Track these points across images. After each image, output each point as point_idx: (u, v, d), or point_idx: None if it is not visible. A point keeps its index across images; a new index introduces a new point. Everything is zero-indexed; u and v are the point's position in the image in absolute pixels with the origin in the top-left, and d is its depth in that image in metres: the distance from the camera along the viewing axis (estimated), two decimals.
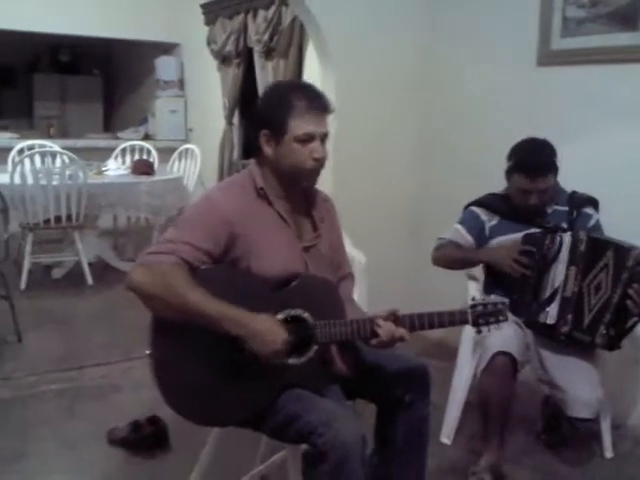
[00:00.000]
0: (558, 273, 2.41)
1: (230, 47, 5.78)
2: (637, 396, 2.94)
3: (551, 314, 2.38)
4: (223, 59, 6.02)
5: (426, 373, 1.93)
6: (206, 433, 1.98)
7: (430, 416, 1.94)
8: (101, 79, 9.22)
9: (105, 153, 6.02)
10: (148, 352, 1.72)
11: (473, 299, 1.84)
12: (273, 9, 5.07)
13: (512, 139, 2.60)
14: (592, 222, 2.60)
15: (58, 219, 4.75)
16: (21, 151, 5.28)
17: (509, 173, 2.56)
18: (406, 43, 3.80)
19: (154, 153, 6.08)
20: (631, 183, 2.91)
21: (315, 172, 1.84)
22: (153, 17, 6.82)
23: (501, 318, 1.81)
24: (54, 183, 4.65)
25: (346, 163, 3.56)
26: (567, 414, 2.37)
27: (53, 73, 8.91)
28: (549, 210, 2.59)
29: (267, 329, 1.66)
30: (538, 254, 2.43)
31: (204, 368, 1.71)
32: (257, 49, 5.37)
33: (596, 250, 2.38)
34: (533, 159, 2.50)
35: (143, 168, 5.34)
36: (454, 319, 1.81)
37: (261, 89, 5.41)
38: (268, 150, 1.82)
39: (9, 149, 5.53)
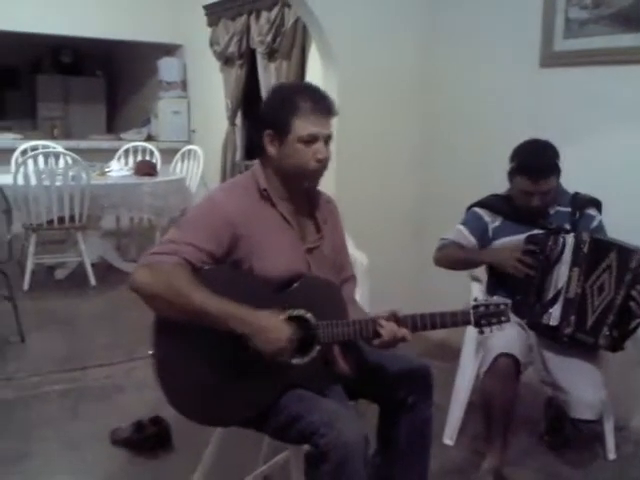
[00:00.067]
0: (561, 274, 2.40)
1: (233, 48, 5.78)
2: None
3: (554, 315, 2.38)
4: (226, 60, 6.03)
5: (428, 374, 1.93)
6: (209, 433, 1.98)
7: (433, 417, 1.94)
8: (104, 80, 9.24)
9: (108, 154, 6.03)
10: (151, 352, 1.72)
11: (475, 300, 1.84)
12: (276, 10, 5.08)
13: (514, 140, 2.60)
14: (595, 223, 2.60)
15: (61, 220, 4.76)
16: (24, 152, 5.28)
17: (511, 175, 2.56)
18: (408, 44, 3.80)
19: (157, 154, 6.09)
20: (634, 184, 2.90)
21: (318, 173, 1.84)
22: (156, 18, 6.83)
23: (503, 319, 1.81)
24: (57, 184, 4.66)
25: (348, 164, 3.56)
26: (570, 416, 2.37)
27: (56, 74, 8.94)
28: (552, 211, 2.59)
29: (271, 326, 1.66)
30: (541, 255, 2.43)
31: (207, 368, 1.71)
32: (260, 50, 5.37)
33: (599, 251, 2.38)
34: (535, 161, 2.50)
35: (146, 169, 5.34)
36: (456, 319, 1.81)
37: (264, 90, 5.42)
38: (272, 150, 1.83)
39: (12, 150, 5.54)
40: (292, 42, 4.97)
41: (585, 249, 2.38)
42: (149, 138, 7.15)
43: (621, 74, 2.92)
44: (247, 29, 5.57)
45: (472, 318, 1.80)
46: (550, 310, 2.39)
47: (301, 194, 1.91)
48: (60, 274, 5.13)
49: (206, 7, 6.22)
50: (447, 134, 3.84)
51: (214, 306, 1.63)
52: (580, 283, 2.37)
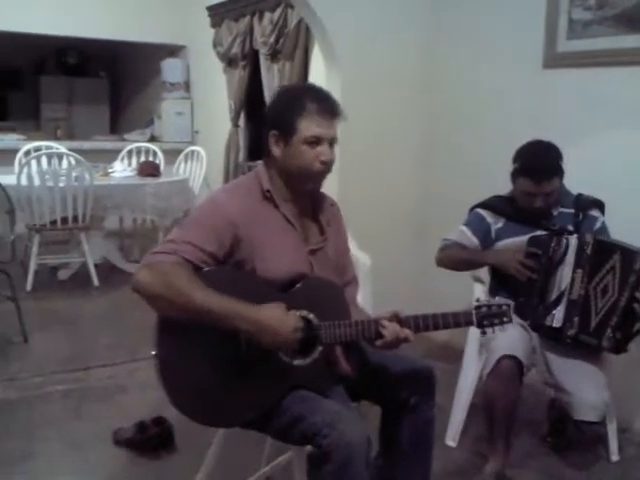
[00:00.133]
0: (564, 276, 2.40)
1: (236, 49, 5.79)
2: None
3: (557, 317, 2.38)
4: (229, 61, 6.03)
5: (431, 375, 1.93)
6: (211, 434, 1.98)
7: (435, 418, 1.93)
8: (107, 81, 9.26)
9: (111, 155, 6.04)
10: (154, 353, 1.72)
11: (477, 300, 1.84)
12: (279, 11, 5.08)
13: (517, 141, 2.60)
14: (598, 225, 2.60)
15: (64, 220, 4.77)
16: (28, 153, 5.29)
17: (514, 176, 2.56)
18: (411, 44, 3.80)
19: (160, 155, 6.10)
20: (637, 185, 2.90)
21: (321, 175, 1.84)
22: (159, 20, 6.84)
23: (505, 320, 1.81)
24: (61, 185, 4.66)
25: (351, 164, 3.56)
26: (573, 417, 2.36)
27: (60, 75, 8.96)
28: (555, 212, 2.58)
29: (275, 318, 1.65)
30: (544, 257, 2.42)
31: (209, 369, 1.71)
32: (263, 51, 5.38)
33: (603, 253, 2.37)
34: (538, 162, 2.50)
35: (149, 170, 5.35)
36: (459, 320, 1.81)
37: (267, 91, 5.42)
38: (276, 150, 1.83)
39: (16, 150, 5.55)
40: (295, 43, 4.98)
41: (588, 250, 2.37)
42: (152, 139, 7.16)
43: (624, 75, 2.92)
44: (250, 30, 5.58)
45: (474, 319, 1.80)
46: (553, 311, 2.39)
47: (305, 196, 1.91)
48: (63, 274, 5.14)
49: (209, 8, 6.23)
50: (449, 134, 3.84)
51: (215, 304, 1.63)
52: (583, 285, 2.37)
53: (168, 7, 6.84)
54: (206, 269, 1.72)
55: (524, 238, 2.51)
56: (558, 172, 2.49)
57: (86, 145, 6.61)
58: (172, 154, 6.25)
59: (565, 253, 2.40)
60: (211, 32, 6.24)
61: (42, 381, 3.24)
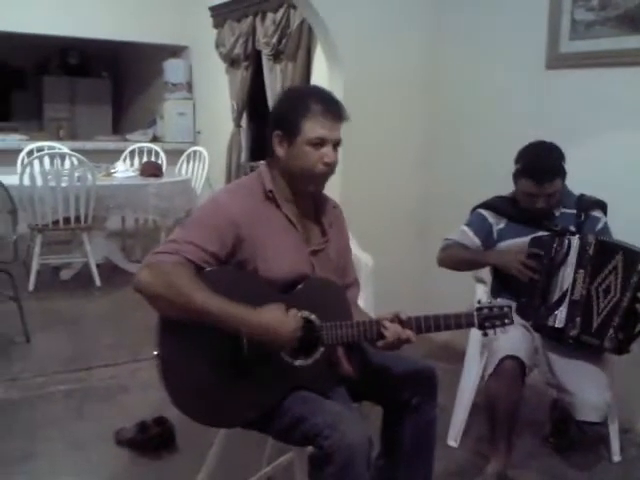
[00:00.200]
0: (566, 276, 2.40)
1: (238, 50, 5.80)
2: None
3: (559, 317, 2.37)
4: (231, 62, 6.04)
5: (433, 375, 1.93)
6: (213, 434, 1.98)
7: (437, 419, 1.93)
8: (110, 81, 9.27)
9: (114, 155, 6.05)
10: (155, 353, 1.72)
11: (479, 302, 1.84)
12: (281, 12, 5.09)
13: (519, 141, 2.60)
14: (600, 225, 2.59)
15: (67, 220, 4.77)
16: (30, 153, 5.29)
17: (516, 177, 2.56)
18: (413, 44, 3.81)
19: (162, 155, 6.10)
20: (639, 186, 2.90)
21: (324, 177, 1.84)
22: (161, 20, 6.85)
23: (507, 321, 1.81)
24: (63, 185, 4.67)
25: (353, 164, 3.56)
26: (575, 418, 2.36)
27: (62, 75, 8.97)
28: (557, 213, 2.58)
29: (274, 320, 1.65)
30: (546, 257, 2.42)
31: (211, 369, 1.71)
32: (265, 52, 5.38)
33: (605, 253, 2.37)
34: (540, 163, 2.50)
35: (151, 170, 5.36)
36: (460, 322, 1.81)
37: (269, 92, 5.43)
38: (280, 151, 1.83)
39: (19, 151, 5.56)
40: (298, 43, 4.98)
41: (590, 251, 2.37)
42: (155, 139, 7.17)
43: (627, 76, 2.92)
44: (253, 31, 5.58)
45: (476, 320, 1.81)
46: (555, 312, 2.38)
47: (307, 197, 1.91)
48: (65, 274, 5.15)
49: (212, 9, 6.24)
50: (451, 135, 3.84)
51: (215, 305, 1.63)
52: (585, 285, 2.36)
53: (170, 7, 6.85)
54: (208, 269, 1.72)
55: (526, 239, 2.51)
56: (560, 173, 2.49)
57: (88, 145, 6.62)
58: (174, 154, 6.26)
59: (567, 254, 2.40)
60: (213, 32, 6.25)
61: (44, 381, 3.24)
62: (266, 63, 5.45)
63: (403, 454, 1.92)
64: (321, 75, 4.48)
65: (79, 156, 4.77)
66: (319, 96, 1.82)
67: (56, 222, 4.74)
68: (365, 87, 3.63)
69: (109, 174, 5.24)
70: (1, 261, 3.57)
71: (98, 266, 4.92)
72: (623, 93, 2.94)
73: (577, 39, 3.10)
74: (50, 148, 5.44)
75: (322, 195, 1.98)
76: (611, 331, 2.32)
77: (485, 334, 1.82)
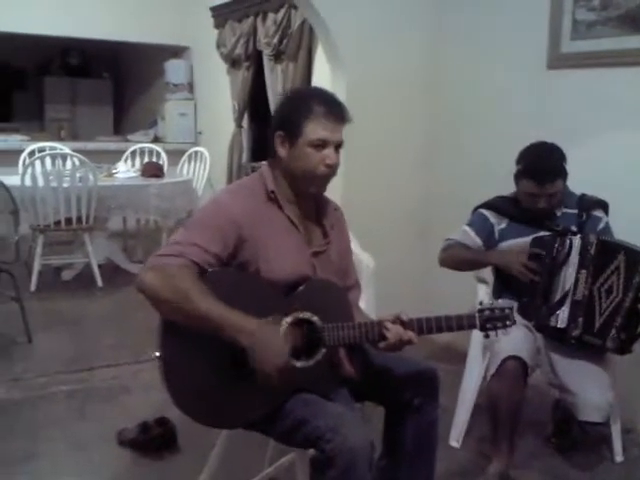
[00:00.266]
0: (568, 276, 2.40)
1: (239, 50, 5.80)
2: None
3: (562, 317, 2.37)
4: (232, 62, 6.04)
5: (435, 376, 1.93)
6: (214, 435, 1.98)
7: (439, 419, 1.93)
8: (111, 82, 9.27)
9: (115, 155, 6.05)
10: (157, 355, 1.72)
11: (481, 303, 1.84)
12: (282, 12, 5.09)
13: (520, 142, 2.60)
14: (602, 225, 2.59)
15: (68, 221, 4.78)
16: (32, 153, 5.30)
17: (517, 177, 2.55)
18: (414, 44, 3.80)
19: (163, 156, 6.10)
20: None
21: (325, 178, 1.84)
22: (162, 20, 6.85)
23: (508, 323, 1.81)
24: (64, 185, 4.67)
25: (355, 165, 3.56)
26: (578, 418, 2.36)
27: (64, 76, 8.97)
28: (558, 213, 2.58)
29: (273, 346, 1.62)
30: (548, 257, 2.42)
31: (213, 370, 1.71)
32: (266, 52, 5.38)
33: (607, 253, 2.37)
34: (541, 164, 2.49)
35: (153, 171, 5.36)
36: (462, 323, 1.81)
37: (270, 92, 5.43)
38: (282, 151, 1.83)
39: (20, 151, 5.56)
40: (299, 44, 4.98)
41: (592, 251, 2.37)
42: (156, 140, 7.17)
43: (629, 76, 2.91)
44: (254, 31, 5.58)
45: (477, 322, 1.80)
46: (557, 312, 2.38)
47: (308, 198, 1.91)
48: (67, 275, 5.15)
49: (213, 9, 6.24)
50: (452, 135, 3.84)
51: (217, 314, 1.61)
52: (587, 285, 2.36)
53: (171, 8, 6.85)
54: (211, 270, 1.71)
55: (527, 239, 2.51)
56: (561, 174, 2.49)
57: (90, 146, 6.62)
58: (176, 155, 6.26)
59: (569, 254, 2.40)
60: (214, 33, 6.25)
61: (46, 381, 3.24)
62: (267, 63, 5.45)
63: (405, 455, 1.92)
64: (322, 75, 4.48)
65: (80, 157, 4.78)
66: (322, 98, 1.82)
67: (58, 223, 4.75)
68: (366, 87, 3.63)
69: (110, 175, 5.25)
70: (3, 261, 3.58)
71: (100, 266, 4.93)
72: (624, 93, 2.94)
73: (578, 39, 3.10)
74: (51, 149, 5.45)
75: (323, 197, 1.98)
76: (613, 331, 2.33)
77: (487, 336, 1.82)
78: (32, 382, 3.24)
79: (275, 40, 5.17)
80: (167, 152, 6.21)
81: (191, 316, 1.63)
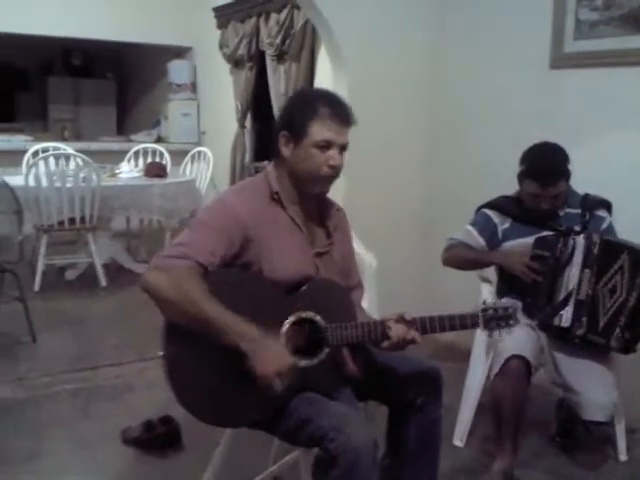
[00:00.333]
0: (572, 276, 2.39)
1: (242, 50, 5.80)
2: None
3: (565, 317, 2.37)
4: (235, 62, 6.05)
5: (438, 375, 1.93)
6: (218, 433, 1.99)
7: (442, 419, 1.93)
8: (114, 82, 9.29)
9: (118, 156, 6.05)
10: (161, 354, 1.73)
11: (484, 303, 1.84)
12: (285, 12, 5.09)
13: (523, 142, 2.60)
14: (605, 225, 2.59)
15: (72, 221, 4.79)
16: (35, 153, 5.31)
17: (521, 178, 2.55)
18: (417, 44, 3.81)
19: (167, 156, 6.11)
20: None
21: (329, 180, 1.85)
22: (165, 21, 6.86)
23: (512, 322, 1.81)
24: (68, 185, 4.69)
25: (357, 165, 3.55)
26: (581, 417, 2.36)
27: (67, 76, 8.99)
28: (561, 213, 2.58)
29: (273, 353, 1.63)
30: (551, 257, 2.42)
31: (217, 369, 1.71)
32: (269, 52, 5.39)
33: (610, 253, 2.37)
34: (544, 165, 2.49)
35: (156, 171, 5.37)
36: (465, 322, 1.81)
37: (273, 92, 5.43)
38: (286, 152, 1.83)
39: (24, 151, 5.58)
40: (301, 44, 4.98)
41: (596, 250, 2.37)
42: (159, 140, 7.18)
43: (631, 75, 2.91)
44: (256, 31, 5.59)
45: (481, 321, 1.81)
46: (561, 312, 2.38)
47: (312, 199, 1.91)
48: (71, 275, 5.16)
49: (215, 9, 6.25)
50: (455, 135, 3.84)
51: (220, 319, 1.62)
52: (591, 285, 2.36)
53: (174, 8, 6.85)
54: (214, 270, 1.71)
55: (530, 239, 2.51)
56: (564, 175, 2.48)
57: (93, 146, 6.63)
58: (179, 155, 6.26)
59: (572, 253, 2.39)
60: (217, 33, 6.26)
61: (50, 380, 3.25)
62: (270, 64, 5.46)
63: (408, 454, 1.92)
64: (325, 76, 4.48)
65: (84, 157, 4.79)
66: (328, 99, 1.83)
67: (61, 222, 4.76)
68: (369, 87, 3.63)
69: (114, 175, 5.26)
70: (7, 261, 3.59)
71: (103, 266, 4.94)
72: (627, 93, 2.94)
73: (581, 39, 3.10)
74: (55, 149, 5.46)
75: (327, 198, 1.98)
76: (617, 330, 2.33)
77: (490, 335, 1.82)
78: (36, 381, 3.24)
79: (278, 40, 5.18)
80: (170, 152, 6.22)
81: (193, 319, 1.63)
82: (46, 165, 4.79)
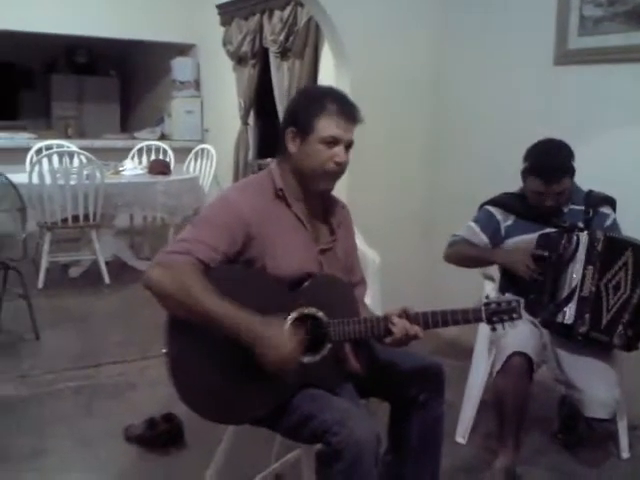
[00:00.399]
0: (575, 273, 2.39)
1: (246, 48, 5.80)
2: None
3: (568, 314, 2.36)
4: (239, 60, 6.04)
5: (440, 372, 1.93)
6: (221, 430, 1.99)
7: (444, 415, 1.93)
8: (118, 80, 9.29)
9: (122, 153, 6.06)
10: (164, 351, 1.73)
11: (487, 297, 1.84)
12: (289, 9, 5.09)
13: (527, 139, 2.59)
14: (609, 222, 2.58)
15: (75, 218, 4.80)
16: (39, 151, 5.32)
17: (524, 175, 2.54)
18: (420, 42, 3.80)
19: (170, 153, 6.12)
20: None
21: (334, 176, 1.85)
22: (169, 18, 6.87)
23: (515, 316, 1.80)
24: (72, 183, 4.69)
25: (360, 163, 3.53)
26: (584, 414, 2.36)
27: (70, 74, 9.00)
28: (565, 209, 2.57)
29: (278, 341, 1.64)
30: (554, 254, 2.41)
31: (219, 366, 1.71)
32: (273, 49, 5.38)
33: (614, 249, 2.36)
34: (549, 162, 2.48)
35: (159, 168, 5.37)
36: (468, 317, 1.81)
37: (277, 90, 5.43)
38: (292, 147, 1.83)
39: (27, 149, 5.60)
40: (305, 41, 4.98)
41: (599, 247, 2.36)
42: (162, 137, 7.19)
43: (636, 72, 2.90)
44: (260, 28, 5.58)
45: (484, 315, 1.80)
46: (564, 308, 2.37)
47: (316, 196, 1.91)
48: (74, 272, 5.17)
49: (219, 6, 6.24)
50: (458, 132, 3.83)
51: (221, 311, 1.62)
52: (594, 281, 2.35)
53: (178, 5, 6.86)
54: (217, 267, 1.71)
55: (534, 235, 2.50)
56: (569, 172, 2.47)
57: (97, 143, 6.65)
58: (182, 152, 6.27)
59: (576, 250, 2.39)
60: (221, 30, 6.25)
61: (53, 378, 3.26)
62: (273, 61, 5.45)
63: (410, 450, 1.92)
64: (328, 73, 4.48)
65: (87, 154, 4.79)
66: (335, 96, 1.84)
67: (65, 220, 4.77)
68: (372, 85, 3.63)
69: (117, 172, 5.26)
70: (10, 259, 3.59)
71: (107, 263, 4.94)
72: (632, 89, 2.93)
73: (585, 35, 3.09)
74: (59, 146, 5.46)
75: (331, 195, 1.98)
76: (620, 328, 2.32)
77: (493, 329, 1.81)
78: (39, 379, 3.25)
79: (281, 37, 5.18)
80: (174, 150, 6.22)
81: (195, 313, 1.64)
82: (50, 163, 4.79)
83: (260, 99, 5.96)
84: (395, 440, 1.96)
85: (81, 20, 6.52)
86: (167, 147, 6.20)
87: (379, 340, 1.81)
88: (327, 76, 4.58)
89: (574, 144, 2.53)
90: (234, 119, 6.15)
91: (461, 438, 2.71)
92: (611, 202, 2.63)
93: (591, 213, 2.56)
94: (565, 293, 2.39)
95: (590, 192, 2.63)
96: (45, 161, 4.74)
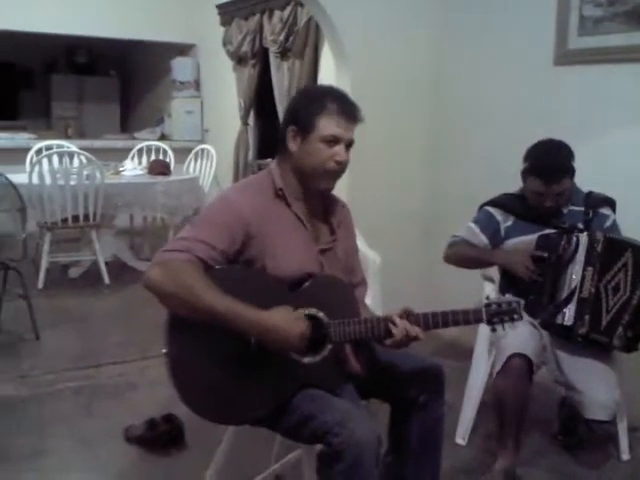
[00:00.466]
0: (575, 274, 2.38)
1: (246, 48, 5.80)
2: None
3: (568, 315, 2.36)
4: (239, 60, 6.04)
5: (440, 373, 1.93)
6: (221, 431, 1.99)
7: (444, 416, 1.93)
8: (118, 80, 9.29)
9: (122, 153, 6.07)
10: (164, 351, 1.73)
11: (487, 298, 1.84)
12: (289, 9, 5.09)
13: (527, 139, 2.59)
14: (609, 223, 2.58)
15: (75, 218, 4.80)
16: (39, 151, 5.32)
17: (524, 175, 2.54)
18: (420, 42, 3.80)
19: (170, 153, 6.12)
20: None
21: (334, 175, 1.85)
22: (169, 18, 6.87)
23: (515, 317, 1.80)
24: (72, 183, 4.69)
25: (360, 163, 3.53)
26: (584, 416, 2.36)
27: (70, 74, 9.00)
28: (565, 210, 2.57)
29: (282, 323, 1.65)
30: (554, 255, 2.41)
31: (220, 367, 1.71)
32: (273, 49, 5.38)
33: (614, 250, 2.36)
34: (549, 162, 2.48)
35: (159, 168, 5.37)
36: (468, 317, 1.81)
37: (277, 90, 5.43)
38: (293, 146, 1.84)
39: (27, 149, 5.60)
40: (305, 41, 4.98)
41: (599, 248, 2.36)
42: (162, 137, 7.19)
43: (636, 72, 2.90)
44: (260, 28, 5.58)
45: (484, 316, 1.80)
46: (564, 310, 2.37)
47: (316, 196, 1.91)
48: (74, 272, 5.17)
49: (219, 6, 6.24)
50: (458, 132, 3.83)
51: (224, 306, 1.63)
52: (594, 283, 2.35)
53: (178, 5, 6.86)
54: (217, 267, 1.72)
55: (534, 236, 2.50)
56: (569, 172, 2.47)
57: (97, 144, 6.64)
58: (182, 152, 6.27)
59: (575, 251, 2.38)
60: (221, 30, 6.25)
61: (53, 378, 3.26)
62: (273, 61, 5.45)
63: (411, 451, 1.92)
64: (328, 73, 4.48)
65: (87, 154, 4.79)
66: (336, 95, 1.84)
67: (65, 220, 4.77)
68: (372, 85, 3.63)
69: (117, 172, 5.26)
70: (10, 259, 3.59)
71: (107, 264, 4.94)
72: (632, 89, 2.93)
73: (585, 35, 3.09)
74: (59, 147, 5.46)
75: (331, 195, 1.98)
76: (620, 329, 2.32)
77: (494, 330, 1.81)
78: (39, 379, 3.25)
79: (281, 37, 5.17)
80: (174, 150, 6.22)
81: (197, 310, 1.64)
82: (50, 163, 4.79)
83: (260, 99, 5.96)
84: (395, 441, 1.96)
85: (81, 20, 6.52)
86: (167, 147, 6.20)
87: (379, 341, 1.81)
88: (327, 76, 4.58)
89: (574, 144, 2.53)
90: (234, 119, 6.15)
91: (461, 439, 2.71)
92: (611, 203, 2.63)
93: (591, 214, 2.55)
94: (565, 294, 2.39)
95: (590, 193, 2.63)
96: (45, 161, 4.74)
